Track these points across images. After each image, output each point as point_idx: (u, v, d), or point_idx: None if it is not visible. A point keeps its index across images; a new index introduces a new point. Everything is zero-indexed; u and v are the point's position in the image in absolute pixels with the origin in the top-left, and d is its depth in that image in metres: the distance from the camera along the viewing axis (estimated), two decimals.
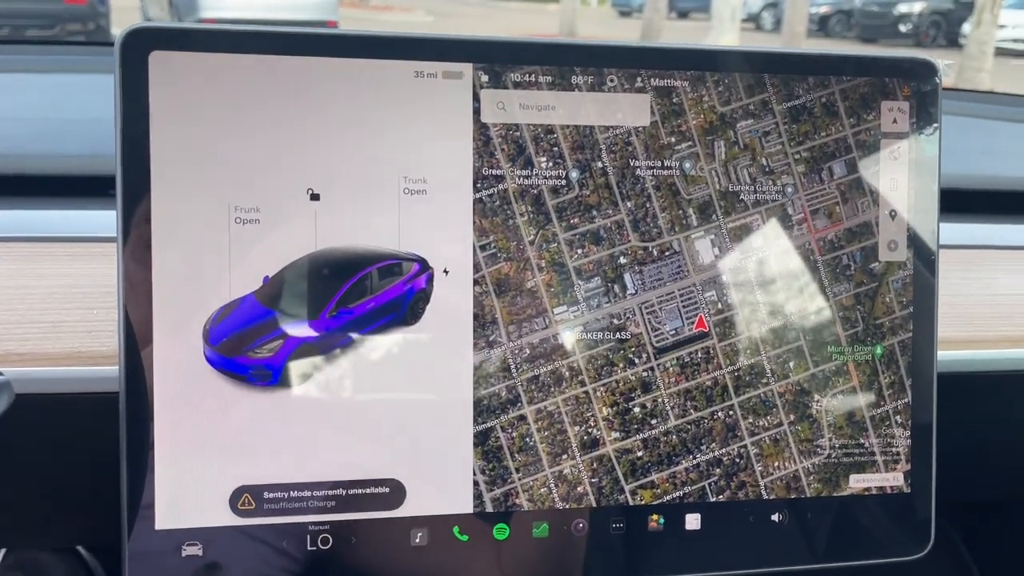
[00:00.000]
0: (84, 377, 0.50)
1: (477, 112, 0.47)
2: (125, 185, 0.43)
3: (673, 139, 0.49)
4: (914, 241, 0.52)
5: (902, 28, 13.86)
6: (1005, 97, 1.05)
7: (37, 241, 0.56)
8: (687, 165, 0.49)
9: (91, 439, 0.48)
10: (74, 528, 0.58)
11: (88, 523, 0.57)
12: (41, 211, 0.60)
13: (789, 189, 0.50)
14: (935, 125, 0.52)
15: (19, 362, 0.50)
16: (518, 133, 0.47)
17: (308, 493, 0.46)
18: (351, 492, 0.46)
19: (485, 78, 0.47)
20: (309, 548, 0.46)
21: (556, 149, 0.48)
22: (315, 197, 0.45)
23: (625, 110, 0.48)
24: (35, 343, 0.51)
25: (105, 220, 0.59)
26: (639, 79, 0.48)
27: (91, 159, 0.66)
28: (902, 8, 13.97)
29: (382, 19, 13.68)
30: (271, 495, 0.45)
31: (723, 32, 9.17)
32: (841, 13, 15.33)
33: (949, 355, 0.58)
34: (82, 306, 0.53)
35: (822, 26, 14.98)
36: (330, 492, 0.46)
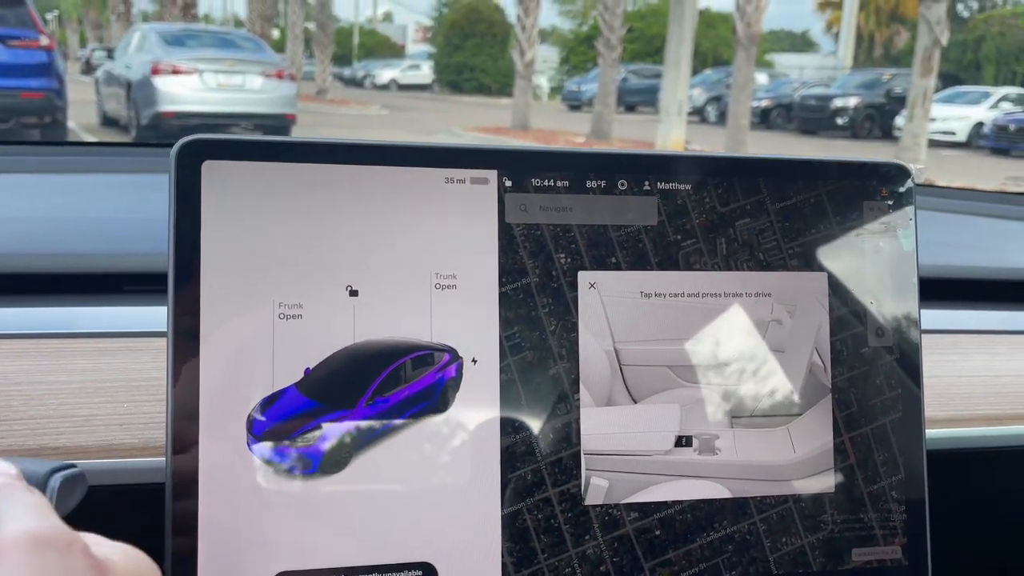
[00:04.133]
0: (118, 469, 0.52)
1: (502, 214, 0.50)
2: (177, 283, 0.46)
3: (679, 236, 0.53)
4: (898, 327, 0.56)
5: (839, 121, 14.52)
6: (961, 192, 1.12)
7: (66, 337, 0.58)
8: (692, 260, 0.53)
9: (128, 529, 0.50)
10: None
11: None
12: (67, 308, 0.62)
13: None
14: (911, 221, 0.57)
15: (53, 455, 0.52)
16: (539, 232, 0.51)
17: None
18: None
19: (509, 183, 0.51)
20: None
21: (574, 246, 0.51)
22: (354, 293, 0.48)
23: (635, 211, 0.53)
24: (68, 437, 0.53)
25: (130, 315, 0.61)
26: (647, 183, 0.53)
27: (109, 258, 0.68)
28: (838, 103, 14.66)
29: (339, 112, 13.94)
30: None
31: (671, 126, 9.51)
32: (781, 107, 16.04)
33: (934, 433, 0.62)
34: (113, 400, 0.55)
35: (763, 119, 15.64)
36: None
